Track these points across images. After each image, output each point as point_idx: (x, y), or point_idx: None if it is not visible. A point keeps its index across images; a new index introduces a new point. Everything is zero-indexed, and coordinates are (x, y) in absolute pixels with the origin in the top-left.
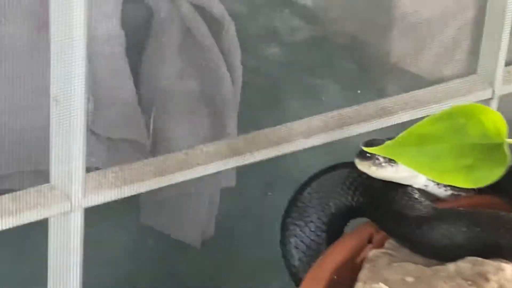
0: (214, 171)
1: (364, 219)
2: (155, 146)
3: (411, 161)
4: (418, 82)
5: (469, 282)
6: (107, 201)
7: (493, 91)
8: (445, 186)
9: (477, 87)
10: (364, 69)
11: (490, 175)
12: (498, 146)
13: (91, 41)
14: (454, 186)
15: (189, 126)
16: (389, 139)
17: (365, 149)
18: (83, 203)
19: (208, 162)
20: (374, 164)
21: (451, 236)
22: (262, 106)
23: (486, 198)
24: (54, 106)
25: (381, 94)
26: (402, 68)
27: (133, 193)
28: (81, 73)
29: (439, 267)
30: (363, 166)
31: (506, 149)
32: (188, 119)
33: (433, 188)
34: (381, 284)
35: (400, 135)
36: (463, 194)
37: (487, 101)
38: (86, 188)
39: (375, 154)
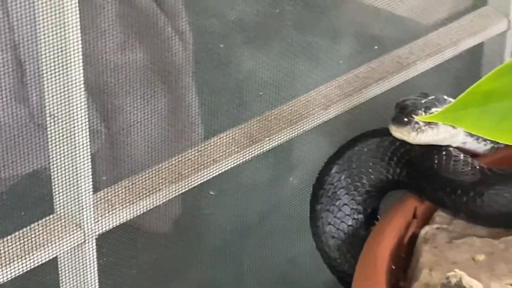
0: (233, 165)
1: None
2: (110, 130)
3: (474, 125)
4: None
5: None
6: (121, 223)
7: (509, 22)
8: (485, 140)
9: (491, 20)
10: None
11: None
12: None
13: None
14: None
15: (143, 101)
16: (423, 94)
17: (420, 118)
18: (96, 230)
19: (225, 157)
20: (414, 129)
21: None
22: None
23: None
24: (52, 123)
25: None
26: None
27: (150, 207)
28: (81, 84)
29: (509, 238)
30: (401, 132)
31: None
32: (140, 94)
33: (471, 144)
34: (458, 271)
35: (460, 96)
36: (501, 145)
37: (503, 34)
38: (97, 212)
39: (413, 118)
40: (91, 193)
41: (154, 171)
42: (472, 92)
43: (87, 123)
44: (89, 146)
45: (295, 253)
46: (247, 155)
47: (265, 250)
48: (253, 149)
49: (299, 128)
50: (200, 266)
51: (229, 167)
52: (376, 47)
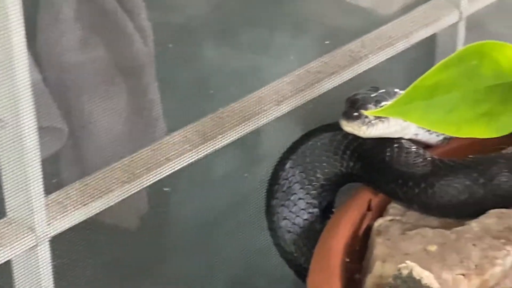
0: (187, 163)
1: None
2: (73, 129)
3: (422, 118)
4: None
5: (502, 241)
6: (75, 224)
7: (461, 13)
8: (436, 131)
9: (443, 11)
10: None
11: None
12: None
13: None
14: None
15: (107, 98)
16: (374, 88)
17: (368, 113)
18: (49, 233)
19: (179, 155)
20: (364, 124)
21: (467, 190)
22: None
23: None
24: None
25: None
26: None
27: (103, 207)
28: (27, 86)
29: (460, 228)
30: (351, 127)
31: None
32: (104, 91)
33: (423, 136)
34: (409, 262)
35: (406, 90)
36: (453, 136)
37: (454, 25)
38: (49, 214)
39: (362, 112)
40: (42, 195)
41: (107, 171)
42: (418, 86)
43: (35, 126)
44: (38, 149)
45: (265, 244)
46: (200, 153)
47: (234, 242)
48: (206, 146)
49: (252, 125)
50: (167, 261)
51: (182, 165)
52: (327, 42)
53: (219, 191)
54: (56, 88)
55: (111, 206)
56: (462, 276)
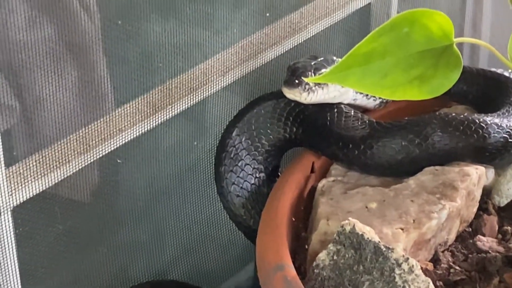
0: (139, 133)
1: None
2: (25, 106)
3: (358, 83)
4: None
5: (438, 196)
6: (35, 194)
7: None
8: (374, 96)
9: None
10: None
11: (446, 82)
12: (448, 48)
13: None
14: None
15: (56, 76)
16: (313, 57)
17: (309, 79)
18: (11, 202)
19: (131, 126)
20: (305, 90)
21: (403, 150)
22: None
23: None
24: None
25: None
26: None
27: (62, 177)
28: None
29: (398, 185)
30: (293, 94)
31: (456, 49)
32: (53, 69)
33: (362, 100)
34: (351, 219)
35: (343, 58)
36: (390, 100)
37: None
38: (11, 185)
39: (303, 80)
40: (3, 168)
41: (63, 143)
42: (354, 53)
43: None
44: None
45: (213, 210)
46: (151, 123)
47: (183, 210)
48: (156, 117)
49: (199, 95)
50: (120, 230)
51: (134, 135)
52: (268, 14)
53: (169, 161)
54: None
55: (67, 177)
56: (401, 230)
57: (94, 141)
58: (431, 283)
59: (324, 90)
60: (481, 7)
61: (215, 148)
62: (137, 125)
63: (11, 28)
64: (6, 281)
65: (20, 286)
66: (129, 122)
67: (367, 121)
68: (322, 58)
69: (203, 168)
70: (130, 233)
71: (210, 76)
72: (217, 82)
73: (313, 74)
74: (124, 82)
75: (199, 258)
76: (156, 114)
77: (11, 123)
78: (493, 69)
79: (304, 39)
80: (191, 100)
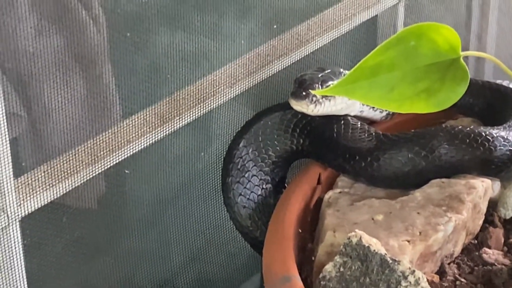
0: (146, 144)
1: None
2: (32, 115)
3: (365, 96)
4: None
5: (444, 208)
6: (43, 205)
7: None
8: (380, 108)
9: None
10: None
11: (452, 95)
12: (454, 62)
13: None
14: None
15: (63, 85)
16: (320, 69)
17: (316, 92)
18: (20, 213)
19: (139, 137)
20: (312, 102)
21: (410, 162)
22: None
23: None
24: None
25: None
26: None
27: (70, 188)
28: None
29: (405, 197)
30: (300, 106)
31: (463, 63)
32: (60, 79)
33: (368, 112)
34: (358, 231)
35: (351, 71)
36: (396, 112)
37: (395, 7)
38: (19, 196)
39: (310, 92)
40: (12, 178)
41: (71, 154)
42: (362, 66)
43: (3, 109)
44: (7, 133)
45: (220, 219)
46: (159, 134)
47: (189, 219)
48: (164, 128)
49: (207, 106)
50: (127, 239)
51: (142, 146)
52: (275, 26)
53: (176, 171)
54: (13, 75)
55: (75, 188)
56: (407, 242)
57: (102, 152)
58: None
59: (331, 102)
60: (486, 20)
61: (222, 159)
62: (145, 136)
63: (20, 38)
64: None
65: None
66: (137, 133)
67: (373, 133)
68: (329, 70)
69: (209, 178)
70: (136, 242)
71: (217, 87)
72: (224, 93)
73: (320, 87)
74: (133, 93)
75: (205, 267)
76: (164, 125)
77: (18, 132)
78: (499, 81)
79: (311, 51)
80: (199, 111)
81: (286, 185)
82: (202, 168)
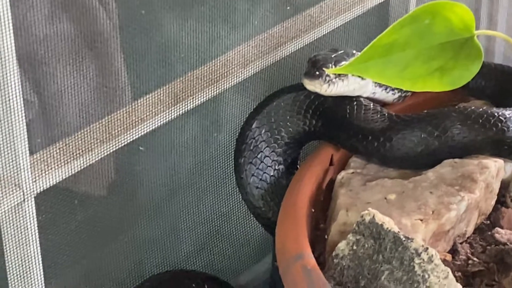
0: (161, 123)
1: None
2: (43, 101)
3: (379, 74)
4: None
5: (457, 188)
6: (58, 181)
7: None
8: (393, 89)
9: None
10: None
11: (466, 73)
12: (469, 41)
13: None
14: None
15: (75, 72)
16: (333, 49)
17: (329, 70)
18: (35, 189)
19: (153, 115)
20: (325, 82)
21: (423, 142)
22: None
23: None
24: None
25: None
26: None
27: (84, 165)
28: (11, 49)
29: (417, 177)
30: (313, 85)
31: (477, 42)
32: (72, 65)
33: (381, 94)
34: (371, 210)
35: (365, 49)
36: (409, 94)
37: None
38: (35, 172)
39: (323, 71)
40: (27, 154)
41: (86, 132)
42: (375, 45)
43: (20, 88)
44: (23, 111)
45: (228, 208)
46: (172, 113)
47: (198, 206)
48: (178, 107)
49: (220, 86)
50: (136, 222)
51: (155, 125)
52: (288, 8)
53: (188, 153)
54: (25, 60)
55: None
56: (420, 221)
57: (116, 130)
58: (450, 273)
59: (344, 82)
60: (497, 0)
61: (234, 141)
62: (159, 115)
63: (31, 23)
64: (29, 267)
65: (42, 272)
66: (151, 112)
67: (386, 114)
68: (342, 51)
69: (221, 162)
70: (147, 227)
71: (230, 69)
72: (237, 75)
73: (333, 66)
74: (146, 73)
75: (216, 252)
76: (177, 105)
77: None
78: (511, 65)
79: (324, 33)
80: (212, 92)
81: (298, 166)
82: (214, 151)
